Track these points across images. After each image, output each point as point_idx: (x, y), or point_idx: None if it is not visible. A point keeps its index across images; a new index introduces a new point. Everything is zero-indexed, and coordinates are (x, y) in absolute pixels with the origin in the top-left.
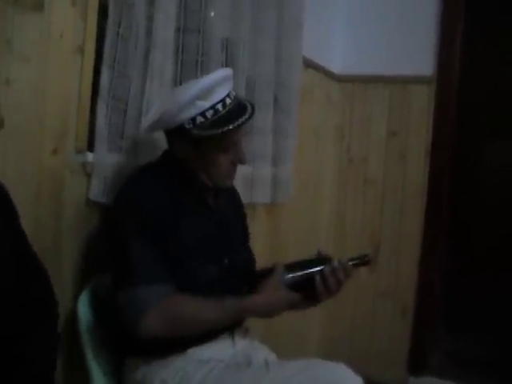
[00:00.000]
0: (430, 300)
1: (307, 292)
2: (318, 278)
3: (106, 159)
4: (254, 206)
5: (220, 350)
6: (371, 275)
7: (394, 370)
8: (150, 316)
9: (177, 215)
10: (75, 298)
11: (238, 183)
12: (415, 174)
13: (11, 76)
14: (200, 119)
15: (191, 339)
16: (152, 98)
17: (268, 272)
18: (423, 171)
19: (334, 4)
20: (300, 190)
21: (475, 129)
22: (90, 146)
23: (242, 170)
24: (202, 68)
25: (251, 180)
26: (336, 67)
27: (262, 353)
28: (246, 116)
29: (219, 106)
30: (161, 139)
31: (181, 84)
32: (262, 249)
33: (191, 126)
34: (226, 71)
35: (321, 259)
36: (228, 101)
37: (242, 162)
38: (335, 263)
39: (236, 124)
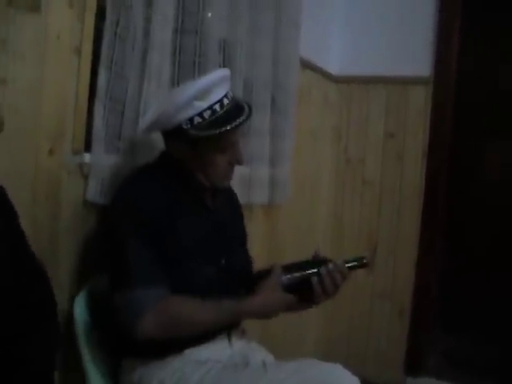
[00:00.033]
0: (427, 301)
1: (304, 293)
2: (314, 279)
3: (103, 160)
4: (252, 206)
5: (217, 350)
6: (368, 276)
7: (391, 371)
8: (147, 318)
9: (174, 216)
10: (72, 299)
11: (236, 184)
12: (412, 175)
13: (8, 76)
14: (197, 120)
15: (188, 340)
16: (149, 99)
17: (265, 273)
18: (420, 172)
19: (332, 5)
20: (297, 191)
21: (472, 130)
22: (87, 147)
23: (239, 171)
24: (199, 69)
25: (249, 181)
26: (333, 68)
27: (260, 354)
28: (244, 117)
29: (217, 107)
30: (158, 140)
31: (178, 85)
32: (260, 249)
33: (189, 126)
34: (224, 72)
35: (317, 261)
36: (225, 101)
37: (240, 162)
38: (331, 265)
39: (233, 124)
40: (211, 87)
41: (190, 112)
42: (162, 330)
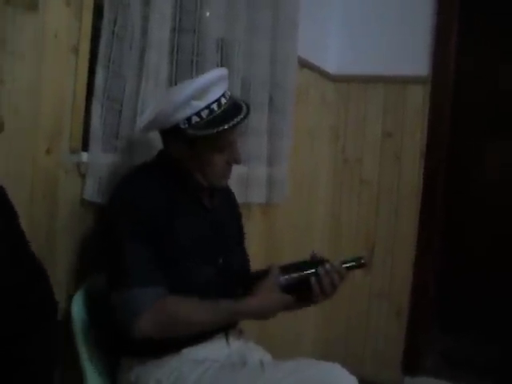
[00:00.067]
0: (425, 301)
1: (301, 294)
2: (313, 279)
3: (101, 159)
4: (250, 206)
5: (215, 350)
6: (366, 276)
7: (389, 371)
8: (144, 318)
9: (172, 215)
10: (69, 298)
11: (233, 183)
12: (410, 174)
13: (5, 76)
14: (195, 119)
15: (186, 339)
16: (147, 98)
17: (263, 274)
18: (418, 172)
19: (330, 4)
20: (295, 190)
21: (470, 130)
22: (85, 146)
23: (237, 170)
24: (197, 68)
25: (246, 180)
26: (331, 67)
27: (257, 353)
28: (241, 116)
29: (214, 106)
30: (156, 139)
31: (176, 84)
32: (258, 249)
33: (186, 125)
34: (221, 71)
35: (315, 261)
36: (223, 101)
37: (237, 161)
38: (329, 265)
39: (231, 124)
40: (209, 86)
41: (188, 111)
42: (159, 329)
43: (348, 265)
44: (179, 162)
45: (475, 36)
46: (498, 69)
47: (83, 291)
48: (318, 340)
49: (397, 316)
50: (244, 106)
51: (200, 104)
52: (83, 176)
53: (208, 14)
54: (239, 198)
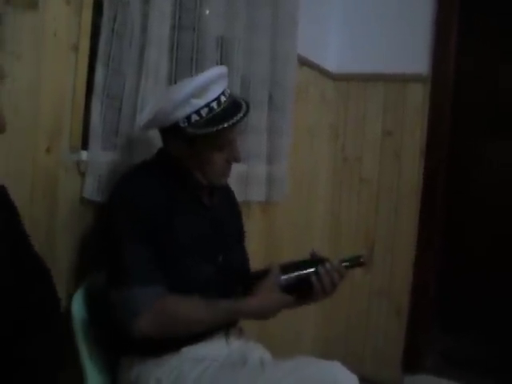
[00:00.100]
0: (425, 299)
1: (302, 292)
2: (313, 278)
3: (101, 157)
4: (249, 204)
5: (215, 349)
6: (366, 275)
7: (389, 369)
8: (144, 317)
9: (171, 213)
10: (69, 296)
11: (233, 181)
12: (410, 173)
13: (5, 74)
14: (195, 117)
15: (186, 338)
16: (147, 95)
17: (263, 273)
18: (418, 171)
19: (329, 2)
20: (295, 188)
21: (470, 128)
22: (85, 145)
23: (236, 168)
24: (196, 66)
25: (246, 178)
26: (331, 65)
27: (257, 352)
28: (241, 114)
29: (214, 104)
30: (155, 137)
31: (175, 82)
32: (257, 247)
33: (186, 124)
34: (221, 69)
35: (315, 260)
36: (223, 99)
37: (237, 160)
38: (329, 264)
39: (231, 122)
40: (208, 85)
41: (188, 110)
42: (158, 328)
43: (347, 263)
44: (179, 161)
45: (475, 34)
46: (499, 68)
47: (83, 290)
48: (318, 339)
49: (397, 315)
50: (244, 104)
51: (199, 102)
52: (83, 174)
53: (208, 11)
54: (239, 197)
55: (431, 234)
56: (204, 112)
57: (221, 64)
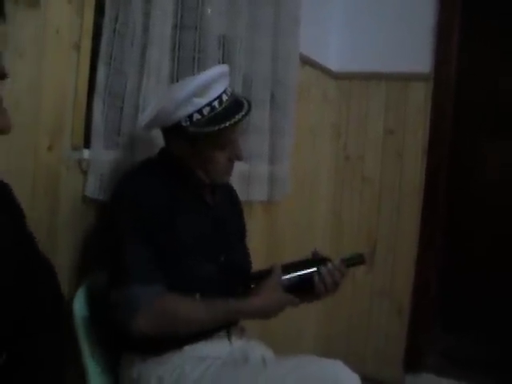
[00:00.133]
0: (427, 299)
1: (304, 292)
2: (316, 278)
3: (103, 156)
4: (251, 203)
5: (217, 347)
6: (368, 274)
7: (391, 368)
8: (142, 316)
9: (173, 212)
10: (71, 295)
11: (235, 180)
12: (412, 172)
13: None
14: (197, 116)
15: (187, 336)
16: (148, 94)
17: (265, 273)
18: (420, 169)
19: (332, 1)
20: (297, 188)
21: (472, 127)
22: (86, 143)
23: (238, 168)
24: (198, 65)
25: (248, 177)
26: (333, 64)
27: (259, 350)
28: (243, 113)
29: (216, 103)
30: (157, 136)
31: (177, 81)
32: (259, 246)
33: (188, 123)
34: (223, 68)
35: (317, 260)
36: (224, 97)
37: (239, 158)
38: (331, 264)
39: (233, 121)
40: (210, 84)
41: (190, 109)
42: (157, 327)
43: (349, 262)
44: (181, 160)
45: (477, 34)
46: (500, 67)
47: (85, 288)
48: (320, 337)
49: (398, 314)
50: (245, 102)
51: (201, 101)
52: (85, 173)
53: (209, 10)
54: (241, 196)
55: (433, 233)
56: (206, 111)
57: (223, 63)
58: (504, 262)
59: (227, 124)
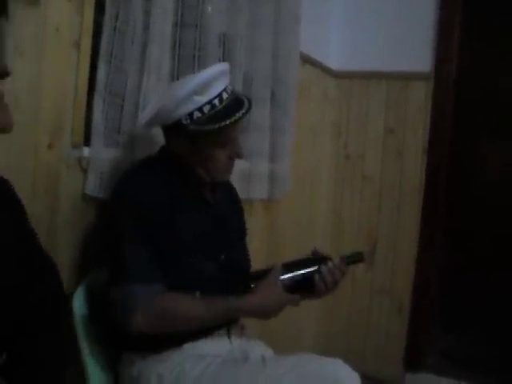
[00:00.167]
0: (426, 297)
1: (304, 291)
2: (316, 277)
3: (103, 154)
4: (251, 201)
5: (217, 345)
6: (368, 272)
7: (390, 367)
8: (141, 314)
9: (174, 210)
10: (71, 293)
11: (235, 178)
12: (412, 171)
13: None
14: (197, 114)
15: (187, 334)
16: (149, 93)
17: (264, 273)
18: (420, 168)
19: None
20: (297, 186)
21: (472, 126)
22: (87, 141)
23: (238, 166)
24: (199, 63)
25: (248, 175)
26: (333, 63)
27: (259, 348)
28: (243, 111)
29: (216, 101)
30: (158, 134)
31: (178, 79)
32: (259, 244)
33: (188, 121)
34: (223, 66)
35: (317, 259)
36: (225, 95)
37: (240, 156)
38: (331, 263)
39: (233, 119)
40: (211, 81)
41: (190, 107)
42: (156, 326)
43: (349, 260)
44: (181, 158)
45: (478, 33)
46: (501, 66)
47: (84, 286)
48: (319, 336)
49: (398, 313)
50: (246, 100)
51: (202, 99)
52: (85, 171)
53: (210, 8)
54: (241, 194)
55: (433, 232)
56: (206, 109)
57: (223, 61)
58: (504, 261)
59: (227, 122)
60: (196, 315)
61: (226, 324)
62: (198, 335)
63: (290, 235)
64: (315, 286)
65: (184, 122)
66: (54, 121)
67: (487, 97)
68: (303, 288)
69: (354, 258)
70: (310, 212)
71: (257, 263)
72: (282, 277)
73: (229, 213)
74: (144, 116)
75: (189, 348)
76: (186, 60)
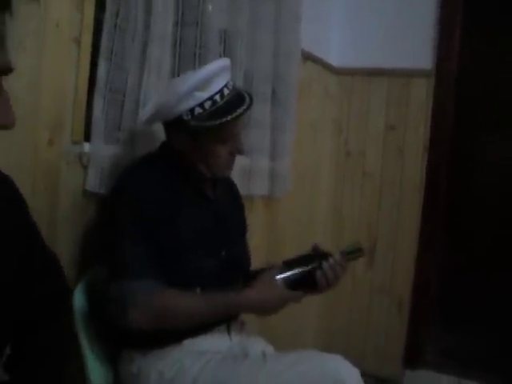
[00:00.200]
0: (426, 296)
1: (306, 287)
2: (318, 274)
3: (103, 150)
4: (252, 198)
5: (216, 342)
6: (367, 271)
7: (390, 365)
8: (141, 310)
9: (174, 207)
10: (71, 290)
11: (236, 175)
12: (413, 168)
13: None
14: (198, 110)
15: (187, 331)
16: (149, 91)
17: (263, 272)
18: (421, 166)
19: None
20: (297, 183)
21: (473, 124)
22: (87, 138)
23: (239, 162)
24: (199, 60)
25: (249, 172)
26: (334, 60)
27: (259, 345)
28: (245, 106)
29: (217, 97)
30: (158, 131)
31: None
32: (260, 241)
33: (189, 117)
34: (224, 61)
35: (318, 255)
36: (226, 91)
37: (241, 152)
38: (332, 260)
39: (234, 115)
40: (212, 77)
41: (191, 102)
42: (155, 322)
43: (349, 255)
44: (182, 154)
45: (479, 30)
46: (503, 63)
47: (84, 283)
48: (319, 333)
49: (398, 311)
50: (247, 96)
51: (203, 95)
52: (85, 167)
53: (211, 7)
54: (241, 191)
55: (433, 230)
56: (207, 105)
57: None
58: (504, 260)
59: (229, 118)
60: (195, 311)
61: (226, 320)
62: (198, 332)
63: (290, 232)
64: (317, 282)
65: (185, 117)
66: (54, 117)
67: (488, 94)
68: (305, 284)
69: (355, 254)
70: (310, 208)
71: (257, 260)
72: (284, 274)
73: (229, 209)
74: (145, 112)
75: (189, 344)
76: (186, 58)
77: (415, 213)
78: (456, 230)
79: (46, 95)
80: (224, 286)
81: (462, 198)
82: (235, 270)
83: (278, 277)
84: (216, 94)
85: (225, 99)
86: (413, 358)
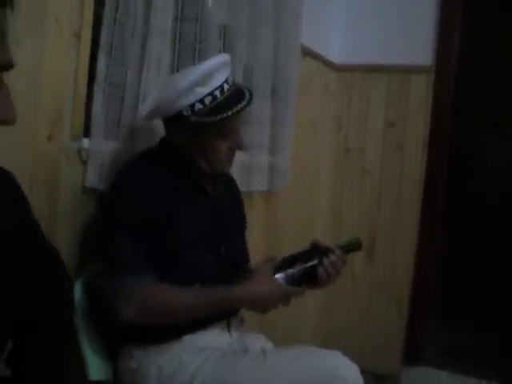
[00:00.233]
0: (425, 292)
1: (307, 283)
2: (320, 270)
3: (103, 146)
4: (251, 194)
5: (216, 338)
6: (367, 267)
7: (389, 361)
8: (134, 305)
9: (174, 203)
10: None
11: (235, 171)
12: (412, 165)
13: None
14: (198, 106)
15: (186, 326)
16: (149, 85)
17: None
18: (420, 162)
19: None
20: (297, 179)
21: (473, 121)
22: (86, 133)
23: (238, 158)
24: (199, 55)
25: (248, 168)
26: (334, 56)
27: (259, 341)
28: (245, 102)
29: (217, 93)
30: (158, 126)
31: (178, 72)
32: (259, 237)
33: (189, 113)
34: (224, 57)
35: (319, 251)
36: (226, 87)
37: (241, 147)
38: (333, 256)
39: (234, 110)
40: (212, 73)
41: (191, 98)
42: (147, 316)
43: (348, 249)
44: (182, 149)
45: (479, 27)
46: (503, 60)
47: (83, 279)
48: (319, 330)
49: (397, 307)
50: (247, 92)
51: (203, 90)
52: (85, 163)
53: (210, 2)
54: (241, 186)
55: (433, 226)
56: (207, 100)
57: (224, 53)
58: (503, 257)
59: (229, 113)
60: (187, 305)
61: (226, 316)
62: (198, 327)
63: (289, 228)
64: (318, 278)
65: (185, 113)
66: (53, 112)
67: (488, 91)
68: (307, 280)
69: (353, 247)
70: (309, 205)
71: (256, 256)
72: (286, 272)
73: (229, 205)
74: (144, 108)
75: (188, 340)
76: (186, 53)
77: (415, 209)
78: (455, 226)
79: (45, 90)
80: (223, 282)
81: (462, 194)
82: (234, 266)
83: (280, 275)
84: (216, 89)
85: (225, 95)
86: (412, 354)
